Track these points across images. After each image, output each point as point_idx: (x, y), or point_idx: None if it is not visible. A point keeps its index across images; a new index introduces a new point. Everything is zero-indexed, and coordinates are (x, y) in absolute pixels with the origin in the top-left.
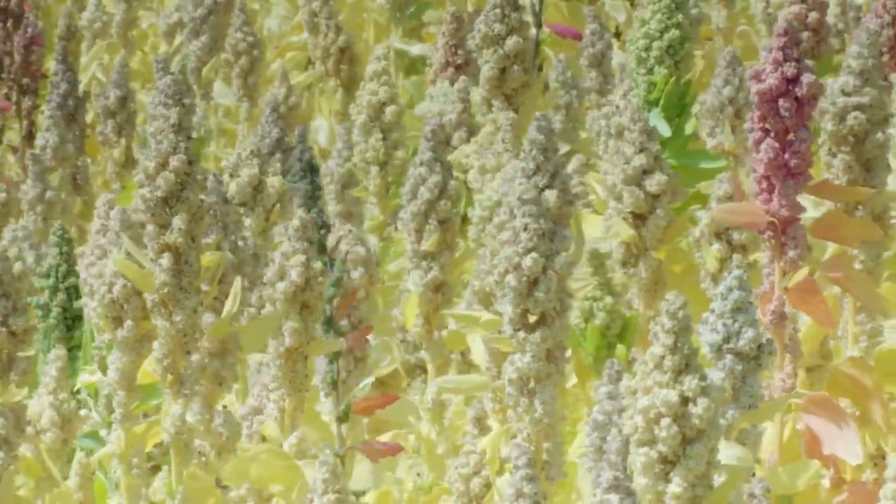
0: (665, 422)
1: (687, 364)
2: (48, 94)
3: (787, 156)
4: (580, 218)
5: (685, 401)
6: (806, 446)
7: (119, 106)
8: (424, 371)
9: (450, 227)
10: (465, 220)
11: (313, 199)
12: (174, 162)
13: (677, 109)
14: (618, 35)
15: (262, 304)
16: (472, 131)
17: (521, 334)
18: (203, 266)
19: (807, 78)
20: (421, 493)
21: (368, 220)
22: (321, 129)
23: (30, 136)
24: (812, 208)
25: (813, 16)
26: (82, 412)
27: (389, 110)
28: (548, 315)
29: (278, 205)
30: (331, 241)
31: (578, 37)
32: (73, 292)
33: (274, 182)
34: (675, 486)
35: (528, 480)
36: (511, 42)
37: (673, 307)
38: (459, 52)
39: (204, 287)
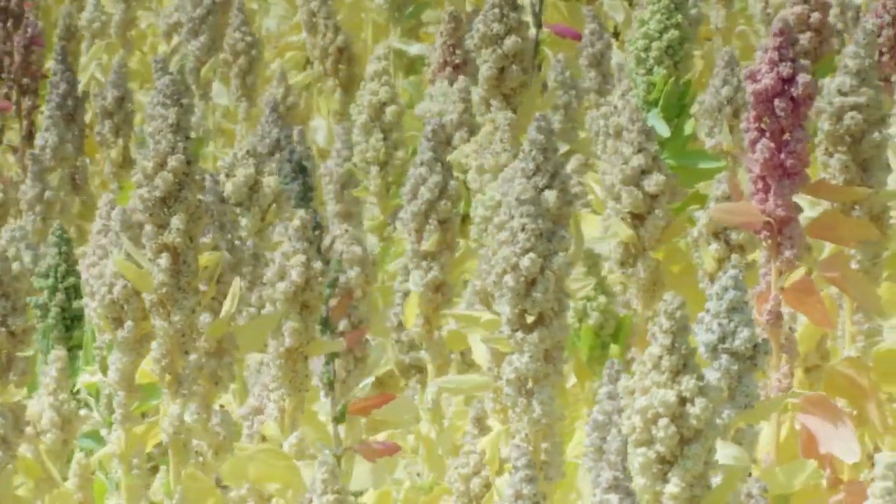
0: (663, 422)
1: (685, 364)
2: (48, 94)
3: (782, 156)
4: (579, 218)
5: (683, 401)
6: (802, 446)
7: (117, 106)
8: (420, 371)
9: (450, 227)
10: (465, 220)
11: (305, 199)
12: (172, 162)
13: (676, 110)
14: (616, 35)
15: (261, 304)
16: (473, 131)
17: (519, 334)
18: (201, 266)
19: (802, 78)
20: (421, 493)
21: (368, 220)
22: (320, 129)
23: (29, 136)
24: (809, 208)
25: (815, 16)
26: (82, 412)
27: (390, 110)
28: (546, 315)
29: (274, 205)
30: (325, 241)
31: (578, 37)
32: (72, 292)
33: (270, 182)
34: (673, 486)
35: (527, 481)
36: (509, 42)
37: (671, 307)
38: (457, 51)
39: (202, 287)
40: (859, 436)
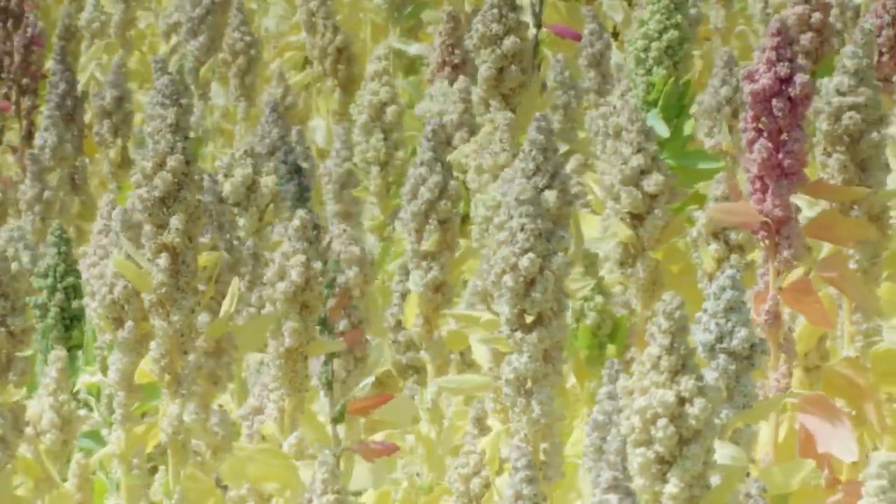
0: (662, 422)
1: (683, 364)
2: (47, 94)
3: (780, 156)
4: (579, 218)
5: (682, 401)
6: (801, 446)
7: (115, 106)
8: (416, 371)
9: (450, 227)
10: (465, 220)
11: (301, 200)
12: (171, 162)
13: (676, 110)
14: (615, 35)
15: (261, 304)
16: (474, 131)
17: (518, 334)
18: (200, 266)
19: (800, 78)
20: (421, 493)
21: (369, 220)
22: (319, 129)
23: (29, 136)
24: (807, 208)
25: (816, 16)
26: (81, 412)
27: (390, 110)
28: (545, 315)
29: (272, 205)
30: (323, 241)
31: (577, 37)
32: (72, 292)
33: (268, 182)
34: (672, 486)
35: (527, 482)
36: (509, 42)
37: (669, 307)
38: (456, 51)
39: (200, 287)
40: (858, 436)
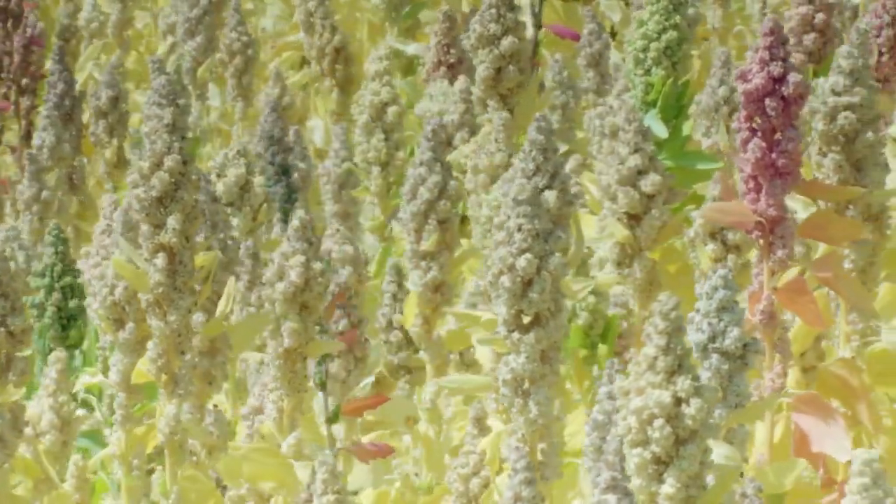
0: (658, 422)
1: (680, 365)
2: (45, 94)
3: (774, 155)
4: (579, 218)
5: (678, 401)
6: (795, 445)
7: (111, 106)
8: (408, 372)
9: (449, 227)
10: (464, 220)
11: (290, 201)
12: (168, 162)
13: (675, 110)
14: (613, 35)
15: (261, 305)
16: (475, 132)
17: (516, 335)
18: (197, 266)
19: (793, 77)
20: (419, 494)
21: (369, 220)
22: (317, 129)
23: (28, 136)
24: (802, 208)
25: (819, 17)
26: (80, 412)
27: (391, 110)
28: (542, 316)
29: (265, 205)
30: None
31: (577, 37)
32: (69, 292)
33: (261, 182)
34: (669, 486)
35: (526, 484)
36: (506, 42)
37: (665, 308)
38: (452, 51)
39: (196, 287)
40: (855, 436)
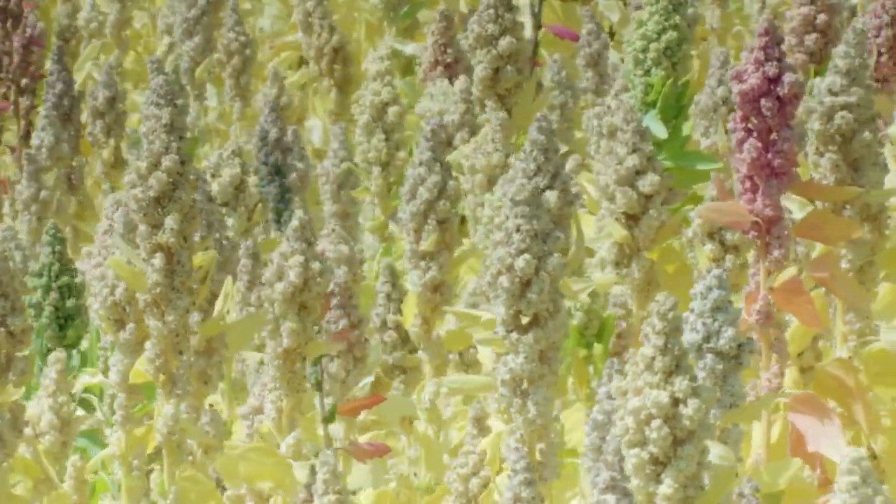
0: (656, 423)
1: (677, 365)
2: (44, 94)
3: (769, 155)
4: (579, 219)
5: (676, 402)
6: (792, 445)
7: (108, 106)
8: (404, 372)
9: (448, 227)
10: (463, 220)
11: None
12: (166, 162)
13: (674, 111)
14: (611, 35)
15: (260, 305)
16: (475, 132)
17: (514, 335)
18: (195, 266)
19: (788, 77)
20: (420, 493)
21: (370, 220)
22: (315, 129)
23: (27, 136)
24: (799, 208)
25: (821, 17)
26: (79, 412)
27: (392, 111)
28: (540, 316)
29: (260, 205)
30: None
31: (576, 37)
32: (66, 291)
33: (254, 181)
34: (667, 486)
35: (526, 484)
36: (504, 42)
37: (663, 308)
38: (449, 50)
39: (194, 286)
40: (854, 435)
